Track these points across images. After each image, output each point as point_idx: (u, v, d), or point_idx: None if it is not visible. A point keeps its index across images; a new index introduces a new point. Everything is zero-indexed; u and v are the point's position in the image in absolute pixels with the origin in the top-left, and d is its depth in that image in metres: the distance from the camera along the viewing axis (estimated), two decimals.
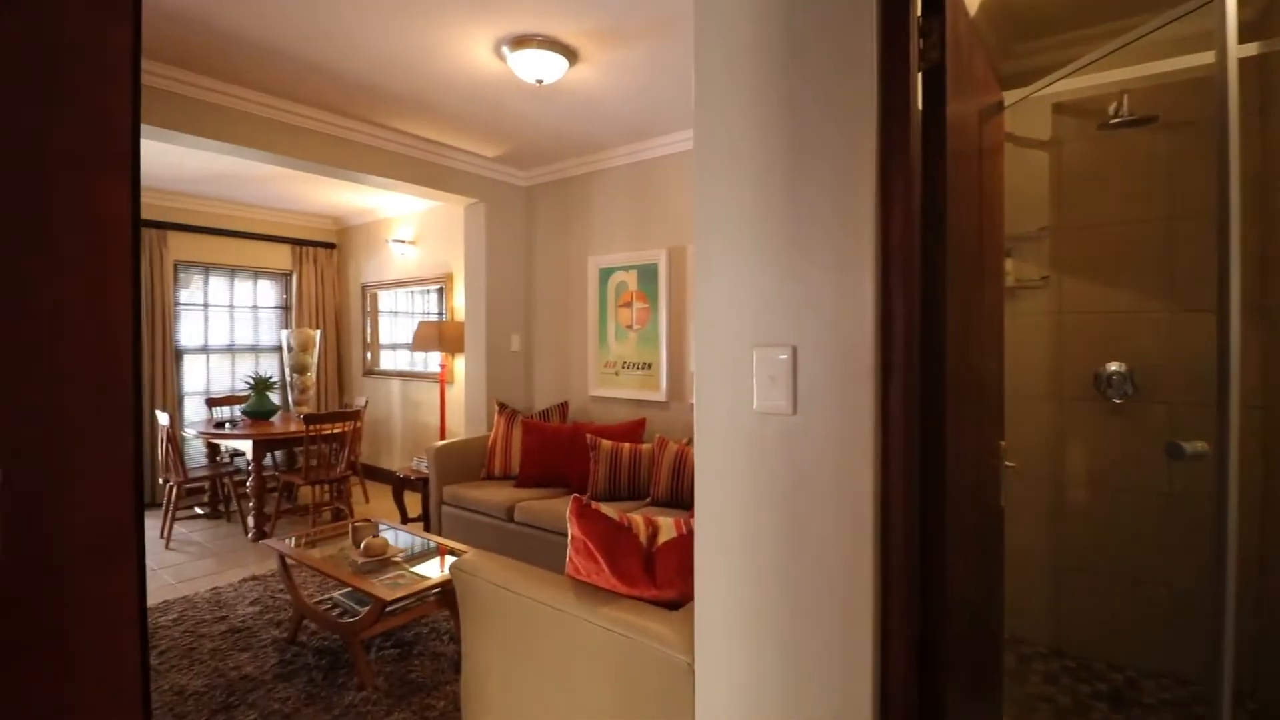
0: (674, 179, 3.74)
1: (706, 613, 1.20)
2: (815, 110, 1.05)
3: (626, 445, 3.42)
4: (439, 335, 4.56)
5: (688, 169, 3.67)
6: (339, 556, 2.62)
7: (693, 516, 1.71)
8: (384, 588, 2.23)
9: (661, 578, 1.50)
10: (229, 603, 3.08)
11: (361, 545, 2.57)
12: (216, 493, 4.54)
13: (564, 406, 4.10)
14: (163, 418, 4.00)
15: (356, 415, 4.21)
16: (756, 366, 1.12)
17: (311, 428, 3.99)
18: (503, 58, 2.64)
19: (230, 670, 2.42)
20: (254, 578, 3.40)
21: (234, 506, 4.44)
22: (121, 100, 1.25)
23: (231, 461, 4.60)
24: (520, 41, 2.50)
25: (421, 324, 4.69)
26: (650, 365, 3.86)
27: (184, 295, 5.39)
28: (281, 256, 5.94)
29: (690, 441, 3.41)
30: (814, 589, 1.05)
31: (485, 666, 1.70)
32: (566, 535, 1.64)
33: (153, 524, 4.37)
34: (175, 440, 4.01)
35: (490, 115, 3.37)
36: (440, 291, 5.30)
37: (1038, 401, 2.52)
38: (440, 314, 5.36)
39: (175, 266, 5.29)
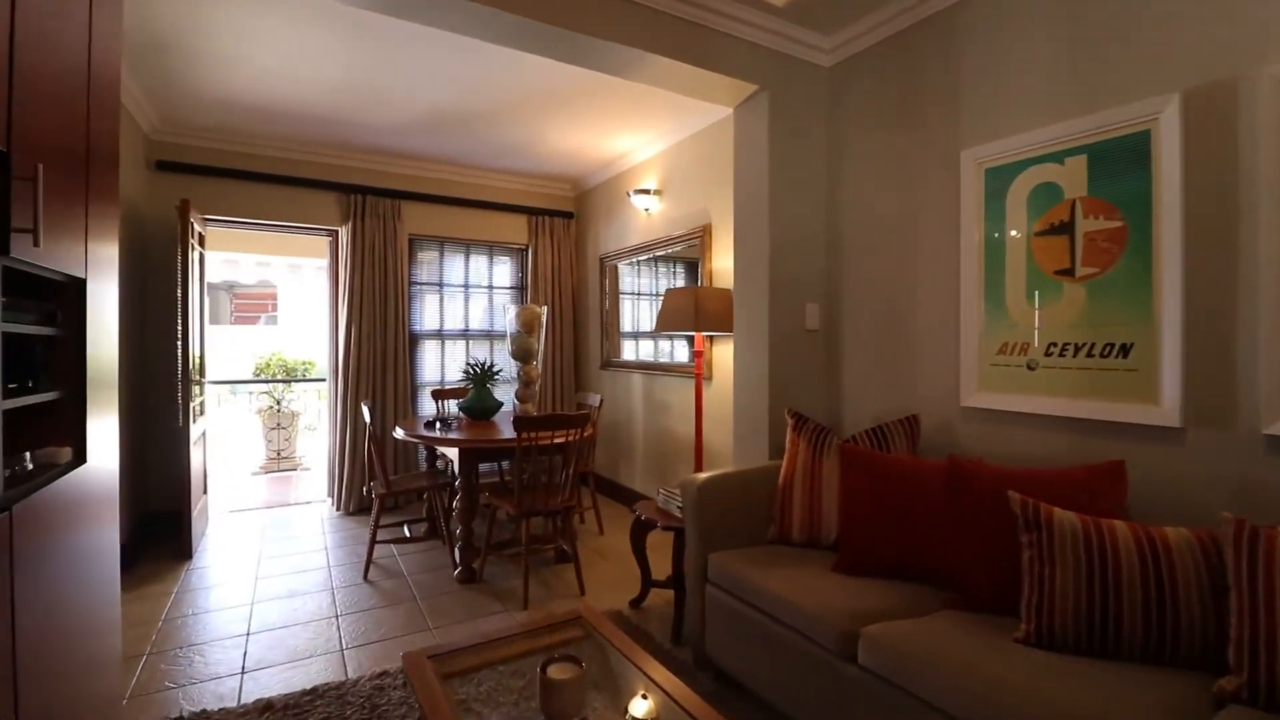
0: None
1: None
2: None
3: (1121, 528, 1.49)
4: (694, 308, 3.10)
5: None
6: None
7: None
8: None
9: None
10: (386, 712, 1.95)
11: None
12: (434, 507, 3.72)
13: (911, 424, 2.30)
14: (366, 412, 3.21)
15: (583, 421, 2.96)
16: None
17: (524, 435, 2.82)
18: None
19: None
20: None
21: (452, 528, 3.56)
22: None
23: (447, 470, 3.75)
24: None
25: (670, 293, 3.29)
26: (1128, 349, 1.84)
27: (419, 273, 4.84)
28: (517, 228, 5.14)
29: None
30: None
31: None
32: None
33: (364, 533, 3.69)
34: (379, 441, 3.19)
35: None
36: (698, 251, 3.86)
37: None
38: (697, 283, 3.94)
39: (410, 241, 4.75)
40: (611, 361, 4.81)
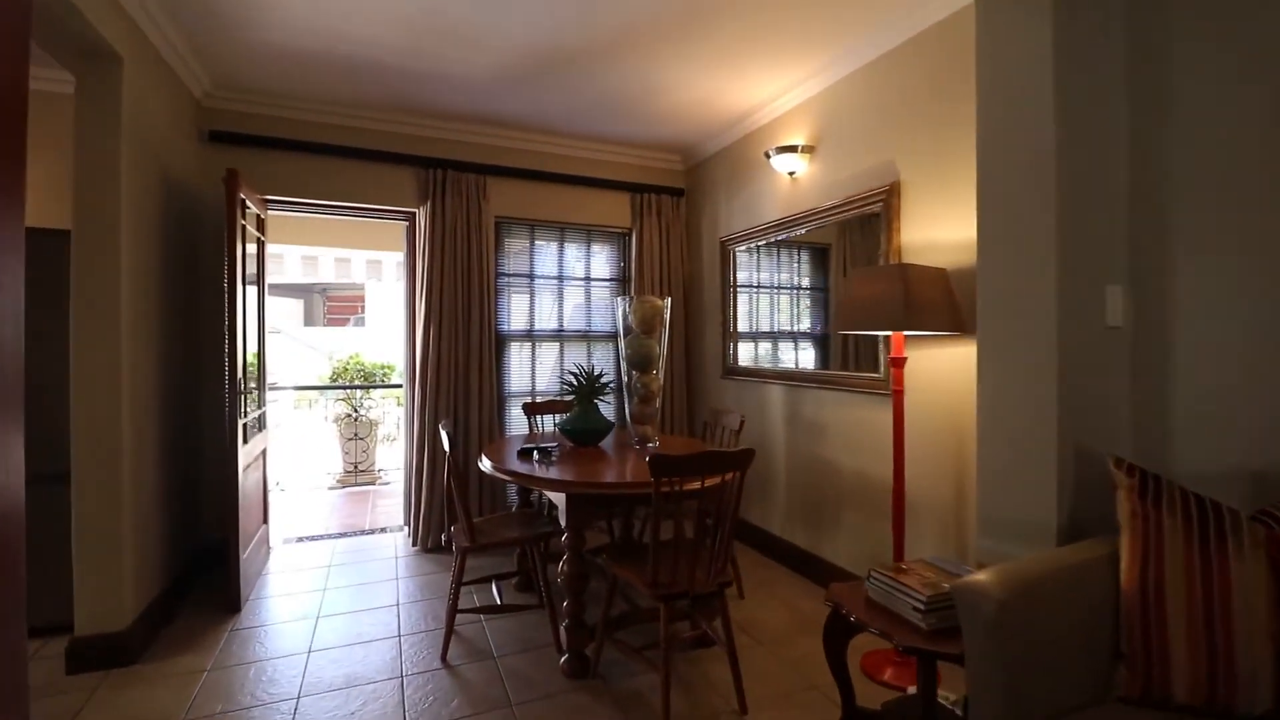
0: None
1: None
2: None
3: None
4: (904, 297, 2.13)
5: None
6: None
7: None
8: None
9: None
10: None
11: None
12: (529, 557, 2.92)
13: None
14: (445, 438, 2.44)
15: (747, 460, 2.05)
16: None
17: (665, 481, 1.95)
18: None
19: None
20: None
21: (554, 590, 2.75)
22: None
23: (544, 507, 2.95)
24: None
25: (858, 277, 2.33)
26: None
27: (506, 263, 4.11)
28: (619, 208, 4.32)
29: None
30: None
31: None
32: None
33: (443, 582, 2.93)
34: (461, 473, 2.42)
35: None
36: (876, 222, 2.87)
37: None
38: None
39: (497, 224, 4.02)
40: (737, 369, 3.89)
